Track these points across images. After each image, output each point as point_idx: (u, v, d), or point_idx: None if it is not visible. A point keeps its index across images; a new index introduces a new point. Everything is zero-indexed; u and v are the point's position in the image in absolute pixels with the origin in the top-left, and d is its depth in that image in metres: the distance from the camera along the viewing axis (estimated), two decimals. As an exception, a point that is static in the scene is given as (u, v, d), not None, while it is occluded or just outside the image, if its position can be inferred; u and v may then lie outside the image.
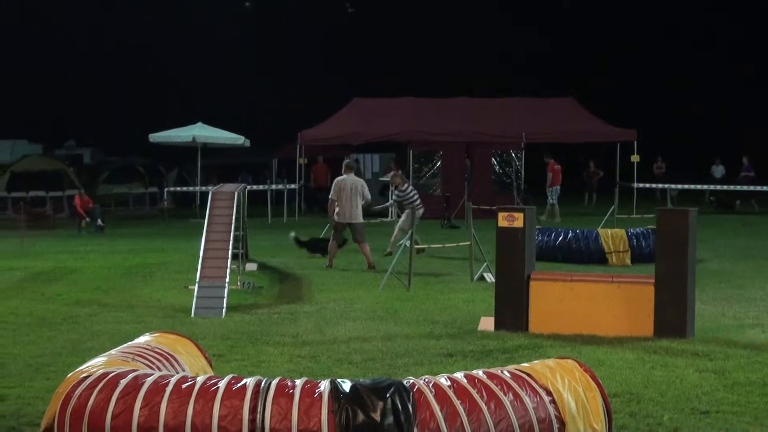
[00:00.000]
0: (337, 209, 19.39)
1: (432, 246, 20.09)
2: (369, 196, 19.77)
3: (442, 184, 34.45)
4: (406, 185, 21.70)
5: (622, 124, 36.62)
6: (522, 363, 7.01)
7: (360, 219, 19.43)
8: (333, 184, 19.88)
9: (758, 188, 36.36)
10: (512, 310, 12.30)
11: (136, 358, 7.07)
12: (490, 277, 16.40)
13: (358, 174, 25.77)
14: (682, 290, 11.84)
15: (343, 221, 19.40)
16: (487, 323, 12.45)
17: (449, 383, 6.43)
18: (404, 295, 15.46)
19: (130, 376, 6.36)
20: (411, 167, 34.98)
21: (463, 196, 31.72)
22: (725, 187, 38.99)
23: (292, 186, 35.88)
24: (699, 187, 40.12)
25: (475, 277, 17.20)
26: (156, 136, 35.33)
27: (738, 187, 38.01)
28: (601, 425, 6.65)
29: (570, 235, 20.63)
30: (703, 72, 54.49)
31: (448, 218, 29.61)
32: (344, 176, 19.54)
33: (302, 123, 36.66)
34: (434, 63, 54.59)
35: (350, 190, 19.34)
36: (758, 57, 53.79)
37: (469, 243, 17.67)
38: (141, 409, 6.13)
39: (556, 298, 12.28)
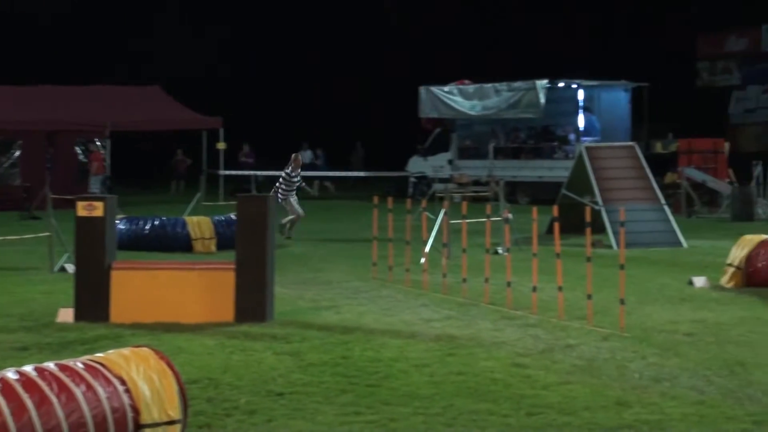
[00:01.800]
0: None
1: (7, 238, 19.31)
2: None
3: (22, 174, 33.18)
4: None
5: (209, 112, 36.90)
6: (100, 353, 6.89)
7: None
8: None
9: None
10: (92, 300, 12.04)
11: None
12: (71, 268, 15.96)
13: None
14: (262, 275, 12.10)
15: None
16: (66, 315, 12.12)
17: (17, 377, 6.21)
18: (-22, 289, 14.75)
19: None
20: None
21: (44, 185, 30.69)
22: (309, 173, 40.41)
23: None
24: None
25: (56, 269, 16.71)
26: None
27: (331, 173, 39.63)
28: (177, 411, 6.68)
29: (156, 223, 20.55)
30: (286, 62, 55.98)
31: (28, 209, 28.54)
32: None
33: None
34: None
35: None
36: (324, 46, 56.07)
37: (49, 234, 17.13)
38: None
39: (138, 287, 12.17)
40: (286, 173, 22.66)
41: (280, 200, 22.03)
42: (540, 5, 53.29)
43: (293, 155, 23.32)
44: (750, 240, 15.17)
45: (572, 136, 34.71)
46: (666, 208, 21.94)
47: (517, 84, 34.38)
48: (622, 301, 11.45)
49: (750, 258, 14.76)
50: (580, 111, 34.66)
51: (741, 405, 8.20)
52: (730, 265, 15.05)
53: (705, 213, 30.04)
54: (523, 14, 53.86)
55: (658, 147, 35.79)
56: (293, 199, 22.69)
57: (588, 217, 12.27)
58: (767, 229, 22.49)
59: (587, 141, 31.46)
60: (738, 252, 15.01)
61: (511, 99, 34.38)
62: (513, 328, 11.71)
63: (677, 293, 14.32)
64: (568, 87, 34.95)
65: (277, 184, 22.60)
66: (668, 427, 7.67)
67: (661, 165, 31.96)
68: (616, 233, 19.45)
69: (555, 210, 13.27)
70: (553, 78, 34.28)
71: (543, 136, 36.48)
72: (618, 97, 36.45)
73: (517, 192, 34.45)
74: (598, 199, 21.16)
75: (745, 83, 50.31)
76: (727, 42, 51.06)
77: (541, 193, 32.27)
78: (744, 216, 27.27)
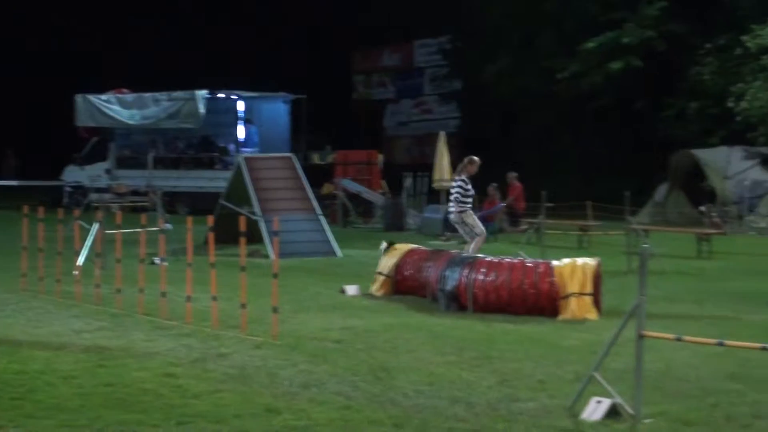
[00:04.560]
0: None
1: None
2: None
3: None
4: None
5: None
6: None
7: None
8: None
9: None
10: None
11: None
12: None
13: None
14: None
15: None
16: None
17: None
18: None
19: None
20: None
21: None
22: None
23: None
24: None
25: None
26: None
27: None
28: None
29: None
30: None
31: None
32: None
33: None
34: None
35: None
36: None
37: None
38: None
39: None
40: (463, 181, 17.81)
41: (453, 220, 18.04)
42: (196, 17, 53.20)
43: (467, 158, 18.21)
44: (399, 249, 15.81)
45: (232, 147, 34.90)
46: (322, 218, 22.46)
47: (177, 94, 34.18)
48: (275, 310, 11.62)
49: (398, 267, 15.38)
50: (240, 122, 34.91)
51: (384, 409, 8.52)
52: (380, 273, 15.62)
53: (360, 223, 30.99)
54: (182, 26, 53.60)
55: (316, 158, 36.62)
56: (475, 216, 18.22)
57: (243, 227, 12.36)
58: (416, 238, 23.61)
59: (246, 152, 31.75)
60: (387, 261, 15.61)
61: (171, 109, 34.13)
62: (166, 338, 11.64)
63: (330, 301, 14.71)
64: (228, 98, 35.12)
65: (455, 198, 17.84)
66: (315, 432, 7.88)
67: (318, 176, 32.73)
68: (273, 243, 19.72)
69: (210, 220, 13.29)
70: (213, 88, 34.34)
71: (203, 146, 36.46)
72: (277, 109, 36.99)
73: (177, 202, 34.26)
74: (256, 209, 21.38)
75: (398, 97, 52.45)
76: (382, 57, 53.05)
77: (201, 204, 32.19)
78: (395, 226, 28.38)
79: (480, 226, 17.96)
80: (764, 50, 32.29)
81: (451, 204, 18.03)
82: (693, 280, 17.61)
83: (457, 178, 17.97)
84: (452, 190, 17.93)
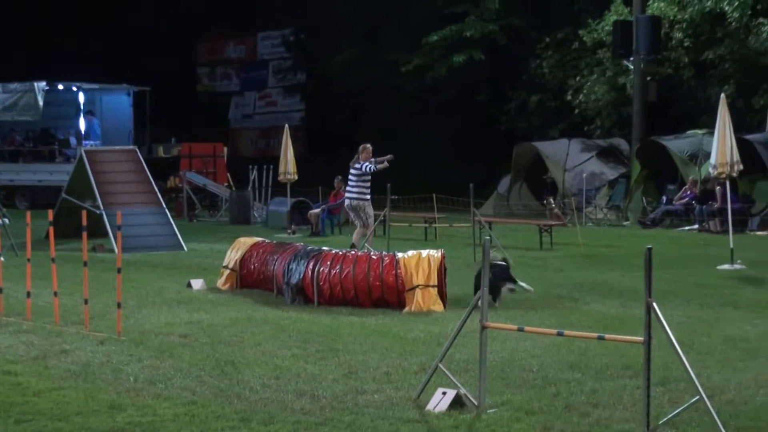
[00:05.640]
0: None
1: None
2: None
3: None
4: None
5: None
6: None
7: None
8: None
9: None
10: None
11: None
12: None
13: None
14: None
15: None
16: None
17: None
18: None
19: None
20: None
21: None
22: None
23: None
24: None
25: None
26: None
27: None
28: None
29: None
30: None
31: None
32: None
33: None
34: None
35: None
36: None
37: None
38: None
39: None
40: (368, 168, 18.46)
41: (352, 205, 18.69)
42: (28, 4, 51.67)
43: (361, 146, 18.75)
44: (244, 243, 15.72)
45: (73, 140, 34.18)
46: (167, 211, 22.19)
47: (14, 86, 33.30)
48: (119, 305, 11.44)
49: (244, 260, 15.30)
50: (81, 114, 34.22)
51: (230, 403, 8.47)
52: (225, 267, 15.51)
53: (206, 216, 30.73)
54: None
55: (161, 151, 36.15)
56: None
57: (84, 221, 12.13)
58: (262, 232, 23.55)
59: (88, 144, 31.16)
60: (233, 254, 15.51)
61: (7, 101, 33.22)
62: (5, 335, 11.33)
63: (175, 296, 14.53)
64: (68, 90, 34.36)
65: (353, 186, 18.67)
66: (160, 428, 7.77)
67: (163, 169, 32.36)
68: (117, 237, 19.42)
69: (50, 214, 13.00)
70: (52, 80, 33.56)
71: (42, 139, 35.61)
72: (120, 101, 36.39)
73: (15, 196, 33.45)
74: (99, 203, 21.00)
75: (243, 89, 52.14)
76: (226, 49, 52.65)
77: (42, 197, 31.50)
78: (241, 219, 28.23)
79: (372, 218, 18.73)
80: (599, 45, 33.24)
81: (351, 188, 18.72)
82: (535, 270, 17.98)
83: (357, 165, 18.53)
84: (351, 176, 18.67)
